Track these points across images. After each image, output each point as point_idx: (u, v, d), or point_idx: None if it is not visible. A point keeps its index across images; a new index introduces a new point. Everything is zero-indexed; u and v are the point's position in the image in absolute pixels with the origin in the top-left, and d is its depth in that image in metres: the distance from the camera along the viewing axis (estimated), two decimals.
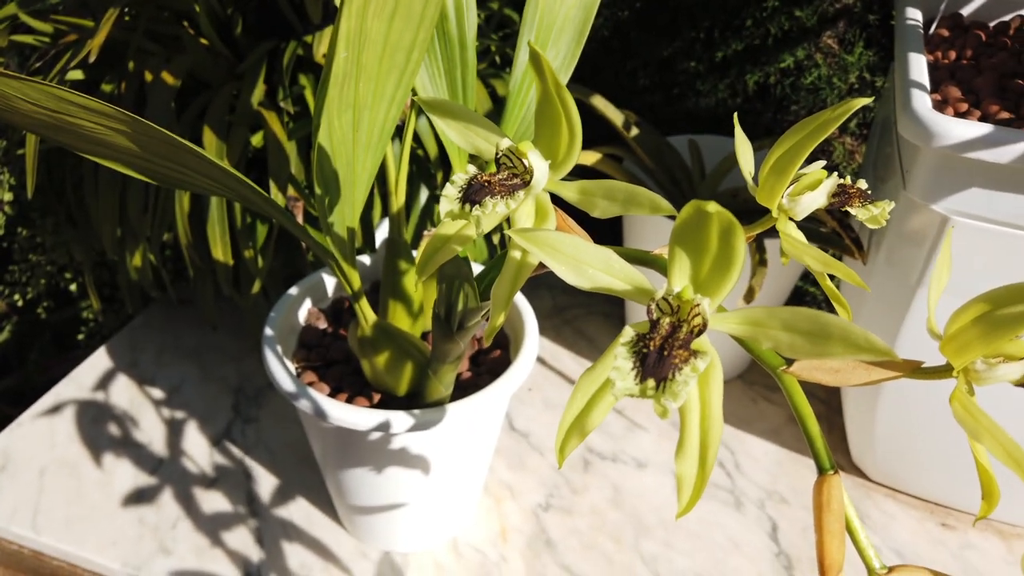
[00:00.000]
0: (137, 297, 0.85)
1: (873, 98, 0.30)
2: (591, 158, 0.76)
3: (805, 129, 0.33)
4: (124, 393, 0.83)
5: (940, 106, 0.62)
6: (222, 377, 0.86)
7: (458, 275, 0.43)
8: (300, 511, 0.73)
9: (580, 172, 0.89)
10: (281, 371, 0.58)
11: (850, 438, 0.79)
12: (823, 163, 0.35)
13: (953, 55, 0.69)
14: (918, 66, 0.61)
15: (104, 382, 0.84)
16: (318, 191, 0.44)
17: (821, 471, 0.29)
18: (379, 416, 0.55)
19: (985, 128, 0.53)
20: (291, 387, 0.57)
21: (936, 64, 0.69)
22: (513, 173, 0.32)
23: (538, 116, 0.32)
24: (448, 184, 0.30)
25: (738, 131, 0.37)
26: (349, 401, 0.60)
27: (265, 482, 0.75)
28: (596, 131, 0.93)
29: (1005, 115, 0.60)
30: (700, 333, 0.25)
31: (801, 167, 0.34)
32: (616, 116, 0.77)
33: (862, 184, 0.36)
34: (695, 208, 0.25)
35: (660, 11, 1.00)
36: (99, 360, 0.87)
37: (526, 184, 0.31)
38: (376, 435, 0.57)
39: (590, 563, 0.70)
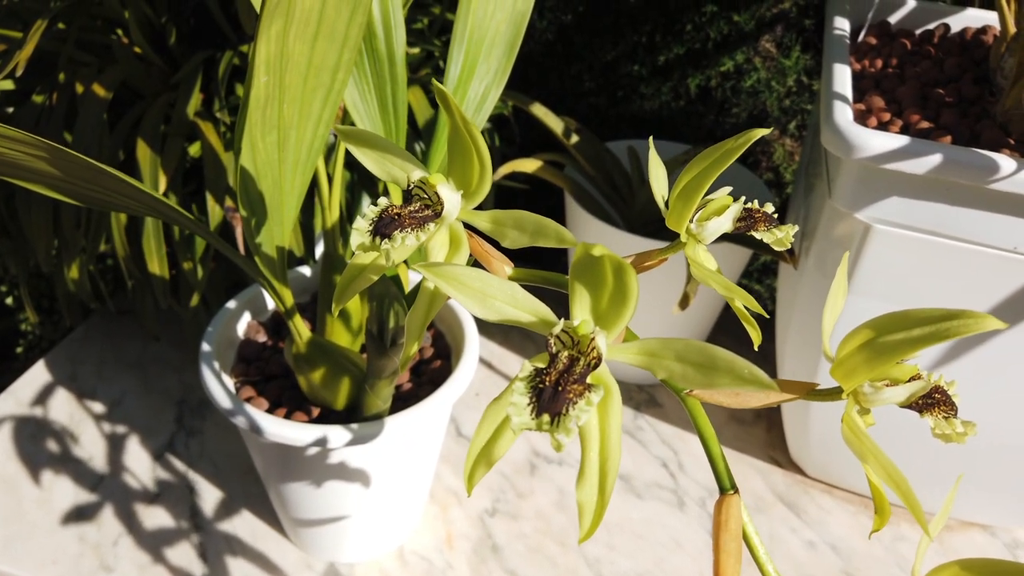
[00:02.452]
0: (76, 309, 0.84)
1: (771, 129, 0.31)
2: (532, 165, 0.77)
3: (710, 158, 0.34)
4: (63, 408, 0.82)
5: (864, 116, 0.63)
6: (165, 389, 0.85)
7: (387, 294, 0.43)
8: (244, 524, 0.73)
9: (523, 179, 0.89)
10: (218, 388, 0.58)
11: (788, 436, 0.81)
12: (728, 189, 0.36)
13: (880, 63, 0.71)
14: (841, 78, 0.62)
15: (43, 397, 0.83)
16: (243, 213, 0.44)
17: (721, 491, 0.30)
18: (316, 432, 0.55)
19: (902, 140, 0.55)
20: (228, 404, 0.57)
21: (863, 73, 0.70)
22: (425, 204, 0.32)
23: (450, 148, 0.32)
24: (359, 217, 0.31)
25: (652, 155, 0.38)
26: (288, 416, 0.60)
27: (209, 495, 0.75)
28: (538, 138, 0.94)
29: (925, 124, 0.61)
30: (596, 366, 0.26)
31: (708, 192, 0.35)
32: (556, 124, 0.78)
33: (768, 208, 0.37)
34: (584, 252, 0.25)
35: (603, 15, 1.00)
36: (37, 374, 0.85)
37: (437, 215, 0.32)
38: (314, 450, 0.57)
39: (535, 567, 0.71)
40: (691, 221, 0.35)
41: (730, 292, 0.34)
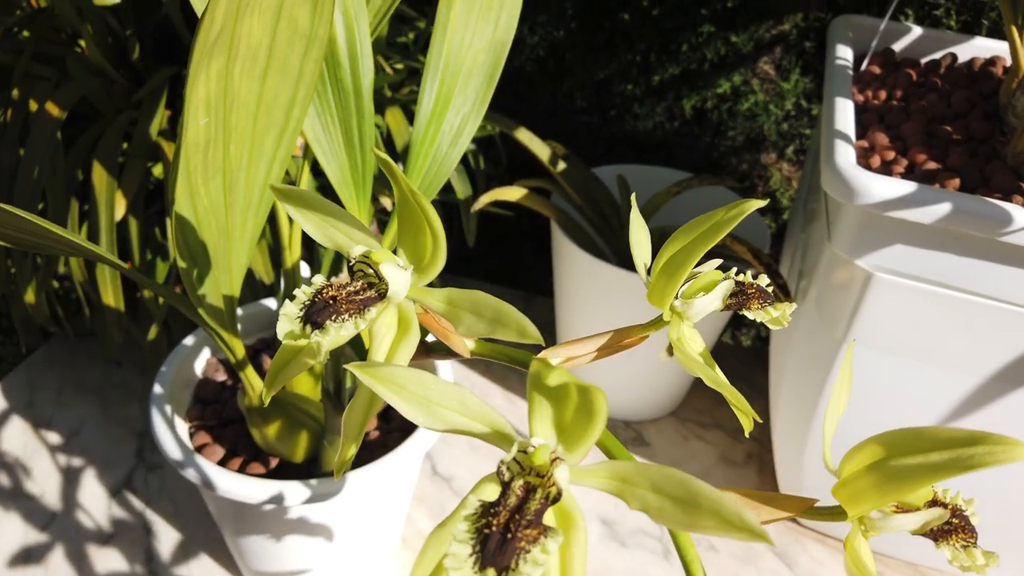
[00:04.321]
0: (34, 332, 0.79)
1: (767, 200, 0.27)
2: (516, 194, 0.73)
3: (697, 229, 0.30)
4: (18, 437, 0.78)
5: (866, 154, 0.59)
6: (126, 418, 0.81)
7: (342, 352, 0.39)
8: (203, 570, 0.68)
9: (507, 207, 0.85)
10: (168, 437, 0.54)
11: (780, 480, 0.77)
12: (718, 262, 0.32)
13: (883, 95, 0.67)
14: (843, 114, 0.58)
15: None
16: (182, 264, 0.40)
17: None
18: (272, 488, 0.51)
19: (908, 187, 0.51)
20: (178, 455, 0.53)
21: (866, 105, 0.66)
22: (368, 283, 0.28)
23: (400, 218, 0.28)
24: (287, 300, 0.27)
25: (635, 215, 0.34)
26: (245, 465, 0.56)
27: (166, 538, 0.71)
28: (526, 159, 0.89)
29: (932, 165, 0.58)
30: (556, 501, 0.22)
31: (696, 265, 0.31)
32: (542, 150, 0.74)
33: (762, 281, 0.33)
34: (541, 371, 0.21)
35: (596, 32, 0.96)
36: None
37: (381, 297, 0.28)
38: (271, 506, 0.53)
39: None
40: (676, 298, 0.31)
41: (719, 387, 0.30)
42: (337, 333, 0.26)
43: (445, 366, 0.61)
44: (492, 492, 0.23)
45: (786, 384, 0.69)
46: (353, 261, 0.28)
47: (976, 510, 0.26)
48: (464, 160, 0.82)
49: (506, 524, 0.21)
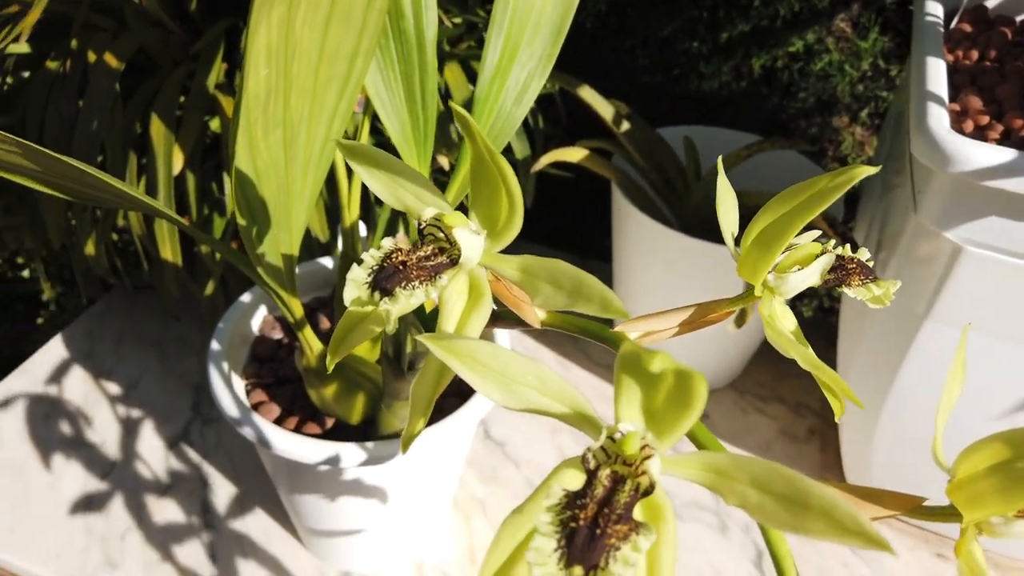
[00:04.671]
0: (95, 283, 0.80)
1: (879, 168, 0.25)
2: (577, 155, 0.70)
3: (798, 197, 0.27)
4: (78, 387, 0.79)
5: (959, 119, 0.55)
6: (183, 372, 0.81)
7: (402, 318, 0.38)
8: (258, 524, 0.69)
9: (566, 168, 0.83)
10: (225, 394, 0.54)
11: (845, 457, 0.74)
12: (816, 234, 0.30)
13: (975, 55, 0.63)
14: (936, 74, 0.54)
15: (58, 375, 0.80)
16: (242, 221, 0.39)
17: None
18: (328, 449, 0.51)
19: (1008, 154, 0.47)
20: (235, 412, 0.53)
21: (956, 66, 0.62)
22: (440, 248, 0.26)
23: (473, 178, 0.26)
24: (355, 265, 0.25)
25: (722, 180, 0.32)
26: (300, 425, 0.56)
27: (222, 491, 0.71)
28: (585, 120, 0.86)
29: None
30: (647, 493, 0.20)
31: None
32: (605, 109, 0.71)
33: (863, 255, 0.30)
34: (634, 353, 0.19)
35: None
36: (54, 349, 0.82)
37: (453, 263, 0.26)
38: (326, 467, 0.52)
39: None
40: (769, 272, 0.29)
41: (816, 369, 0.27)
42: (407, 301, 0.24)
43: (502, 333, 0.60)
44: (574, 479, 0.22)
45: (857, 361, 0.66)
46: (423, 224, 0.26)
47: None
48: (523, 119, 0.80)
49: (594, 518, 0.20)
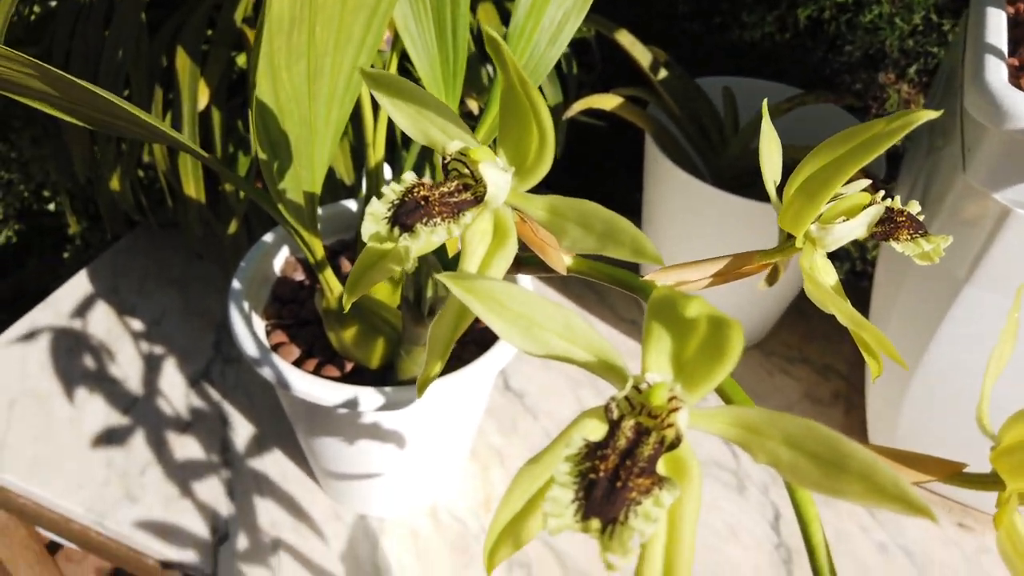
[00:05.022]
0: (119, 219, 0.79)
1: (941, 112, 0.23)
2: (612, 102, 0.68)
3: (850, 142, 0.25)
4: (102, 322, 0.79)
5: (1017, 74, 0.52)
6: (206, 310, 0.81)
7: (423, 261, 0.37)
8: (275, 464, 0.69)
9: (599, 116, 0.80)
10: (245, 333, 0.53)
11: (870, 423, 0.73)
12: (866, 183, 0.28)
13: None
14: (995, 26, 0.51)
15: (82, 309, 0.80)
16: (263, 156, 0.38)
17: None
18: (346, 392, 0.50)
19: None
20: (254, 352, 0.52)
21: (1017, 19, 0.59)
22: (464, 184, 0.25)
23: (503, 111, 0.25)
24: (374, 199, 0.24)
25: (767, 124, 0.30)
26: (320, 367, 0.55)
27: (241, 430, 0.71)
28: (621, 67, 0.84)
29: None
30: (673, 447, 0.19)
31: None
32: (643, 55, 0.68)
33: (913, 208, 0.28)
34: (667, 297, 0.18)
35: None
36: (79, 284, 0.82)
37: (478, 201, 0.25)
38: (344, 410, 0.52)
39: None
40: (812, 222, 0.27)
41: (858, 326, 0.26)
42: (428, 238, 0.23)
43: (525, 279, 0.59)
44: (596, 430, 0.20)
45: (891, 325, 0.64)
46: (448, 159, 0.25)
47: None
48: (555, 64, 0.78)
49: (615, 470, 0.19)
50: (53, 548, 1.15)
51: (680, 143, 0.72)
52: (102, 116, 0.38)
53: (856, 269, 1.05)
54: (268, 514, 0.65)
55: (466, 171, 0.25)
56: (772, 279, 0.53)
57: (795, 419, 0.19)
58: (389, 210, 0.24)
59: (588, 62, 0.89)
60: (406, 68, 0.73)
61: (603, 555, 0.18)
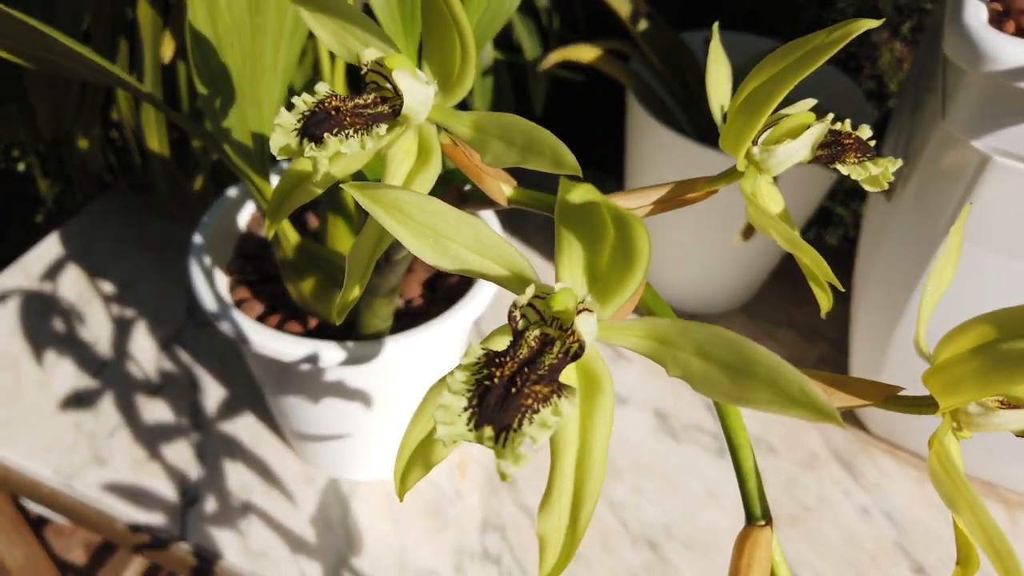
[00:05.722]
0: (91, 181, 0.78)
1: (881, 21, 0.22)
2: (590, 54, 0.66)
3: (790, 56, 0.24)
4: (74, 286, 0.78)
5: (999, 19, 0.51)
6: (178, 273, 0.80)
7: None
8: (246, 428, 0.68)
9: (581, 72, 0.79)
10: (204, 287, 0.52)
11: None
12: (812, 102, 0.26)
13: None
14: None
15: (53, 272, 0.79)
16: (202, 89, 0.36)
17: (749, 520, 0.22)
18: (307, 347, 0.49)
19: None
20: (213, 307, 0.51)
21: None
22: (382, 97, 0.23)
23: (425, 22, 0.23)
24: (282, 109, 0.22)
25: (715, 47, 0.29)
26: (283, 324, 0.54)
27: (212, 393, 0.70)
28: (606, 23, 0.82)
29: None
30: (576, 356, 0.18)
31: (783, 106, 0.26)
32: (622, 5, 0.66)
33: (864, 132, 0.27)
34: (569, 191, 0.17)
35: None
36: (50, 246, 0.81)
37: (395, 113, 0.23)
38: (307, 366, 0.51)
39: None
40: (754, 144, 0.26)
41: (796, 249, 0.25)
42: (337, 149, 0.22)
43: (491, 218, 0.57)
44: (504, 344, 0.19)
45: (872, 284, 0.63)
46: (365, 69, 0.23)
47: None
48: (536, 18, 0.76)
49: (511, 377, 0.17)
50: (42, 523, 1.14)
51: (662, 98, 0.70)
52: (45, 54, 0.37)
53: (850, 236, 1.03)
54: (238, 477, 0.65)
55: (386, 84, 0.24)
56: (748, 234, 0.52)
57: (705, 326, 0.18)
58: (299, 121, 0.23)
59: (570, 17, 0.87)
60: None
61: (497, 464, 0.16)
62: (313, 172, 0.22)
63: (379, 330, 0.50)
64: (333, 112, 0.22)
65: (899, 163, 0.26)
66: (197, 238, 0.55)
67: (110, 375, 0.71)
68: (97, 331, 0.74)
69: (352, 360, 0.49)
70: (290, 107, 0.23)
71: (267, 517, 0.63)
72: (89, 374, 0.71)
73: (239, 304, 0.55)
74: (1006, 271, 0.51)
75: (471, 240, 0.20)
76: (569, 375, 0.19)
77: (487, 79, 0.68)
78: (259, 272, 0.57)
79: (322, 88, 0.23)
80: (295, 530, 0.62)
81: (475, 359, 0.18)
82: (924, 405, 0.22)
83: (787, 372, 0.17)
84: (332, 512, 0.63)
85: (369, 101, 0.23)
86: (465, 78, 0.24)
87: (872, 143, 0.27)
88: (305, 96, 0.23)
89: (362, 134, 0.22)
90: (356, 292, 0.25)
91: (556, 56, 0.65)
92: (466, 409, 0.17)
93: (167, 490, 0.63)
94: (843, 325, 0.82)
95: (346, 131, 0.22)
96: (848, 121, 0.27)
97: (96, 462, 0.65)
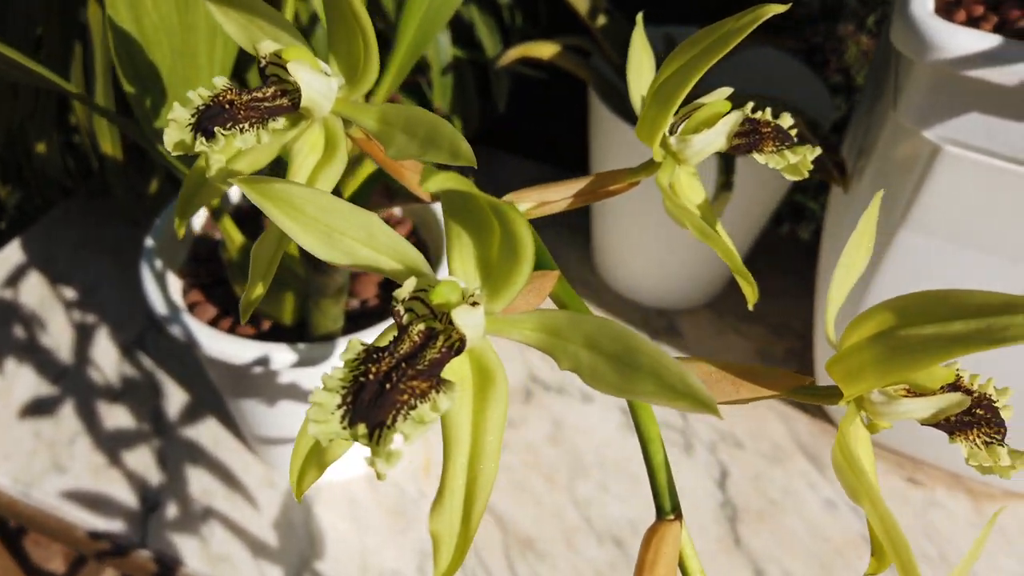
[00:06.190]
0: (51, 186, 0.77)
1: (788, 6, 0.21)
2: (549, 50, 0.66)
3: (701, 43, 0.24)
4: (35, 292, 0.77)
5: (949, 9, 0.51)
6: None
7: None
8: (208, 432, 0.67)
9: (542, 70, 0.78)
10: (155, 290, 0.52)
11: (818, 377, 0.72)
12: (728, 91, 0.26)
13: None
14: None
15: (15, 278, 0.78)
16: (129, 89, 0.36)
17: (658, 514, 0.22)
18: (258, 350, 0.48)
19: (993, 40, 0.43)
20: (163, 310, 0.50)
21: None
22: (282, 90, 0.23)
23: (328, 15, 0.23)
24: (176, 104, 0.22)
25: (638, 35, 0.28)
26: (234, 327, 0.53)
27: (174, 398, 0.70)
28: (569, 24, 0.82)
29: None
30: (459, 351, 0.18)
31: (701, 95, 0.25)
32: (581, 1, 0.66)
33: (785, 121, 0.27)
34: (427, 178, 0.16)
35: None
36: (11, 254, 0.80)
37: (294, 107, 0.23)
38: (260, 369, 0.50)
39: (517, 504, 0.65)
40: (671, 134, 0.26)
41: (709, 240, 0.24)
42: (229, 144, 0.21)
43: None
44: (390, 339, 0.19)
45: (832, 274, 0.63)
46: (264, 62, 0.23)
47: (1011, 402, 0.21)
48: (497, 15, 0.75)
49: (388, 372, 0.17)
50: (20, 533, 1.13)
51: (623, 93, 0.70)
52: None
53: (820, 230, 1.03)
54: (200, 482, 0.64)
55: (288, 77, 0.23)
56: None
57: (593, 318, 0.18)
58: (193, 116, 0.22)
59: (532, 13, 0.87)
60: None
61: (370, 462, 0.16)
62: (206, 168, 0.22)
63: (330, 331, 0.50)
64: (227, 106, 0.22)
65: (817, 151, 0.26)
66: (149, 242, 0.55)
67: (70, 381, 0.70)
68: (58, 337, 0.74)
69: (304, 362, 0.49)
70: (186, 102, 0.22)
71: (229, 522, 0.62)
72: (49, 380, 0.70)
73: (192, 307, 0.54)
74: (956, 260, 0.51)
75: (363, 235, 0.20)
76: (463, 370, 0.19)
77: (447, 77, 0.67)
78: (212, 275, 0.56)
79: (219, 81, 0.23)
80: (257, 534, 0.61)
81: (355, 355, 0.17)
82: (830, 395, 0.22)
83: (669, 363, 0.16)
84: (294, 515, 0.63)
85: (268, 94, 0.23)
86: (369, 70, 0.23)
87: (793, 132, 0.27)
88: (201, 90, 0.22)
89: (258, 128, 0.22)
90: (259, 290, 0.25)
91: (515, 53, 0.64)
92: (340, 407, 0.17)
93: (128, 497, 0.63)
94: (810, 319, 0.82)
95: (240, 125, 0.22)
96: (769, 110, 0.27)
97: (56, 469, 0.64)
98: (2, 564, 0.85)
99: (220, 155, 0.21)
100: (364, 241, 0.20)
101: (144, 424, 0.67)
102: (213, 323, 0.54)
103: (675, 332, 0.79)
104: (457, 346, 0.18)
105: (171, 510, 0.62)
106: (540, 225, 0.92)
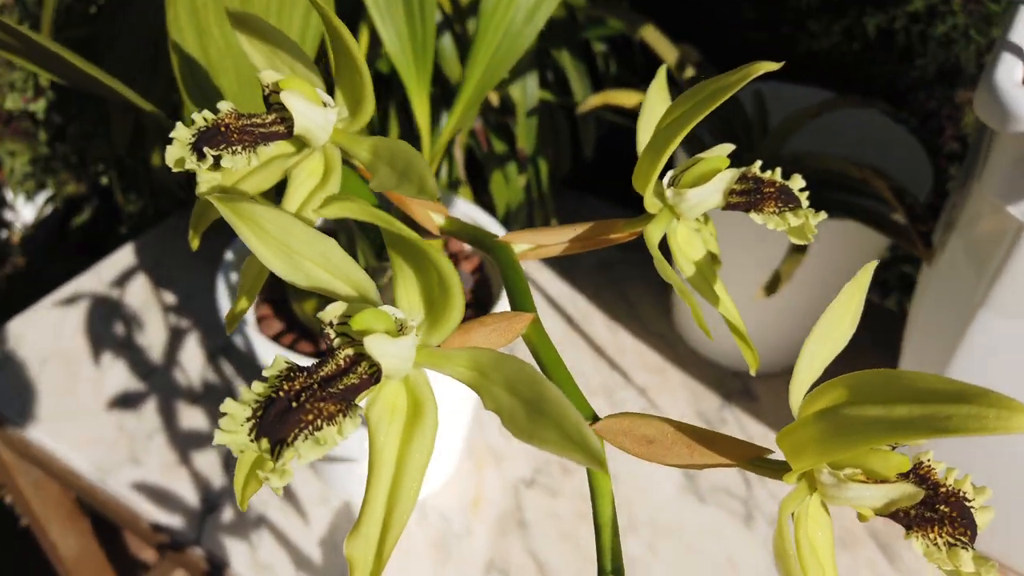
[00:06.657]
0: (167, 196, 0.83)
1: (781, 64, 0.20)
2: (632, 99, 0.66)
3: (695, 97, 0.23)
4: (139, 294, 0.83)
5: None
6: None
7: (342, 228, 0.36)
8: None
9: (628, 115, 0.78)
10: (226, 302, 0.54)
11: None
12: (729, 147, 0.25)
13: None
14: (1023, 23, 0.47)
15: (123, 280, 0.84)
16: (192, 110, 0.38)
17: (600, 574, 0.21)
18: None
19: None
20: None
21: None
22: (281, 117, 0.24)
23: (332, 49, 0.24)
24: (179, 124, 0.23)
25: (654, 85, 0.28)
26: (295, 343, 0.56)
27: None
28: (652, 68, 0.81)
29: None
30: (376, 380, 0.18)
31: (701, 151, 0.25)
32: (669, 52, 0.66)
33: (795, 183, 0.26)
34: (328, 204, 0.17)
35: None
36: (124, 256, 0.87)
37: (288, 134, 0.24)
38: None
39: (559, 554, 0.63)
40: (668, 186, 0.25)
41: (683, 295, 0.24)
42: (219, 163, 0.23)
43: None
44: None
45: (914, 348, 0.59)
46: (267, 91, 0.24)
47: (990, 501, 0.19)
48: (591, 62, 0.76)
49: (299, 392, 0.17)
50: None
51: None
52: (72, 73, 0.40)
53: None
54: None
55: (282, 105, 0.24)
56: (771, 288, 0.50)
57: (515, 361, 0.18)
58: (193, 136, 0.24)
59: (629, 61, 0.87)
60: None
61: (264, 477, 0.16)
62: (198, 185, 0.23)
63: None
64: (223, 129, 0.23)
65: (822, 216, 0.25)
66: (228, 254, 0.58)
67: (157, 380, 0.74)
68: (153, 338, 0.79)
69: None
70: (191, 122, 0.24)
71: (278, 532, 0.64)
72: (139, 377, 0.75)
73: (260, 321, 0.57)
74: None
75: (319, 258, 0.20)
76: (399, 401, 0.19)
77: (531, 119, 0.68)
78: (283, 291, 0.59)
79: (224, 106, 0.24)
80: (303, 548, 0.63)
81: (277, 371, 0.18)
82: (781, 469, 0.20)
83: (570, 414, 0.16)
84: (341, 535, 0.64)
85: (267, 121, 0.24)
86: (365, 104, 0.24)
87: (804, 195, 0.26)
88: (206, 113, 0.24)
89: (249, 151, 0.23)
90: (244, 304, 0.26)
91: (596, 100, 0.65)
92: (248, 420, 0.17)
93: (191, 495, 0.66)
94: None
95: (232, 147, 0.23)
96: (779, 170, 0.26)
97: (132, 461, 0.68)
98: (85, 544, 0.90)
99: (211, 173, 0.23)
100: (321, 264, 0.21)
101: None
102: (276, 338, 0.56)
103: (749, 395, 0.77)
104: (376, 374, 0.18)
105: (227, 513, 0.65)
106: (623, 277, 0.91)
